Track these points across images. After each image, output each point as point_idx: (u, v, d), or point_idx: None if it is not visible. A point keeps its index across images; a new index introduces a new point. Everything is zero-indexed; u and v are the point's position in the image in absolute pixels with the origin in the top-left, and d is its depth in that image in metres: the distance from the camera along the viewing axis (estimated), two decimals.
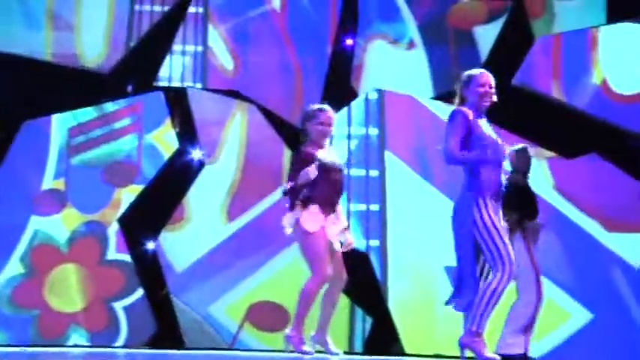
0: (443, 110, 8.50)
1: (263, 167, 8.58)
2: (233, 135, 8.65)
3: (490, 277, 5.64)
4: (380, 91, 8.53)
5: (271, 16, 8.72)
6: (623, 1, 8.27)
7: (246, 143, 8.62)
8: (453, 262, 8.30)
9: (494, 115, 5.93)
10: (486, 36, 8.41)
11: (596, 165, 8.32)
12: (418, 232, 8.42)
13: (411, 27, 8.55)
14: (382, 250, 8.46)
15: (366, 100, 8.55)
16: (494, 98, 5.80)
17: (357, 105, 8.52)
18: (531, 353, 7.11)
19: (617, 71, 8.39)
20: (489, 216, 5.64)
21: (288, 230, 6.42)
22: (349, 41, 8.52)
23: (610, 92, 8.39)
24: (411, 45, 8.56)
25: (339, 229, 6.45)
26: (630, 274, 8.33)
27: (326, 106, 6.50)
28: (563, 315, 8.29)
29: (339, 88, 8.51)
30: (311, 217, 6.31)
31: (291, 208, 6.36)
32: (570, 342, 8.25)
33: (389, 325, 8.41)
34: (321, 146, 6.40)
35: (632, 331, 8.27)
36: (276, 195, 8.56)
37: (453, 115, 5.76)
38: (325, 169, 6.30)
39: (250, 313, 8.52)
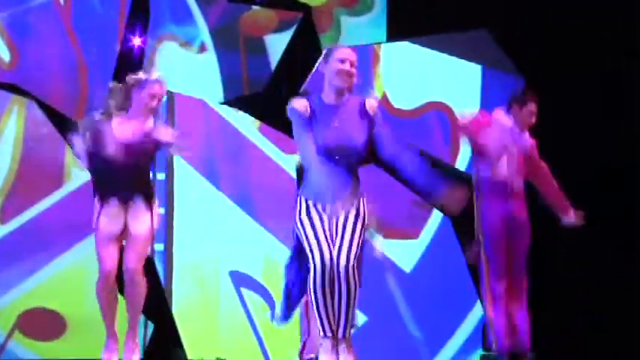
0: (233, 116, 8.55)
1: (41, 166, 8.13)
2: (8, 131, 8.11)
3: None
4: (170, 93, 8.36)
5: (54, 8, 8.27)
6: (402, 22, 8.73)
7: (23, 140, 8.13)
8: (238, 267, 8.46)
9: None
10: (277, 45, 8.52)
11: (376, 175, 8.70)
12: (204, 237, 8.37)
13: (203, 30, 8.49)
14: (167, 255, 8.31)
15: None
16: (355, 80, 5.13)
17: None
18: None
19: (395, 87, 8.85)
20: (302, 214, 5.21)
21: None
22: (138, 40, 8.28)
23: (389, 106, 8.84)
24: (202, 48, 8.49)
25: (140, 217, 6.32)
26: (402, 279, 8.81)
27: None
28: None
29: None
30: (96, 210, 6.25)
31: None
32: None
33: (172, 330, 8.27)
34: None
35: (403, 332, 8.75)
36: (56, 196, 8.18)
37: (289, 116, 5.17)
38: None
39: (21, 320, 8.04)
